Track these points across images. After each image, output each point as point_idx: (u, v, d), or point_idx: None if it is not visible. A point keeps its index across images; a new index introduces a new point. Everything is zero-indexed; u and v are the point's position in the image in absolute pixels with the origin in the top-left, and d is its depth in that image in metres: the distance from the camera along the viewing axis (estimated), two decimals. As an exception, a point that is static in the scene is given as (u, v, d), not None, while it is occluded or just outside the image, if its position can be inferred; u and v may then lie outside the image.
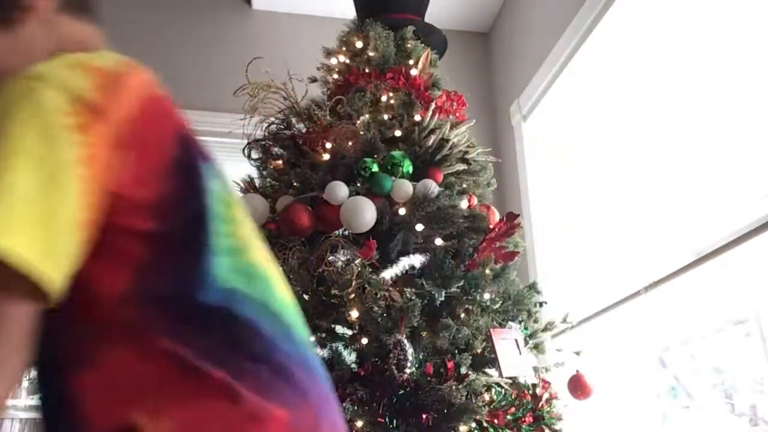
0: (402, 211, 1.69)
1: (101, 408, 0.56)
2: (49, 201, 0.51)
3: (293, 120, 1.94)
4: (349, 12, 2.41)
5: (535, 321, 1.84)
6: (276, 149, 1.95)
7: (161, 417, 0.54)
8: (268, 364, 0.60)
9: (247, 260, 0.65)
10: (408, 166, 1.76)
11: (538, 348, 1.82)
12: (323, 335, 1.67)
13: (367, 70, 2.05)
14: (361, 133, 1.84)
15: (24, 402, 2.55)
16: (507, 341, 1.62)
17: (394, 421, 1.45)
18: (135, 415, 0.54)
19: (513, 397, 1.60)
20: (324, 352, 1.74)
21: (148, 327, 0.57)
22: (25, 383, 2.60)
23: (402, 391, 1.48)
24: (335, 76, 2.15)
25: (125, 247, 0.58)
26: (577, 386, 1.73)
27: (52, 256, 0.51)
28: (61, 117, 0.54)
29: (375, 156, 1.79)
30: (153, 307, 0.58)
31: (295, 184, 1.79)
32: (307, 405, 0.60)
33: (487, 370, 1.67)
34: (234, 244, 0.64)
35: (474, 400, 1.44)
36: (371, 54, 2.09)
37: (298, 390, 0.61)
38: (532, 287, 1.82)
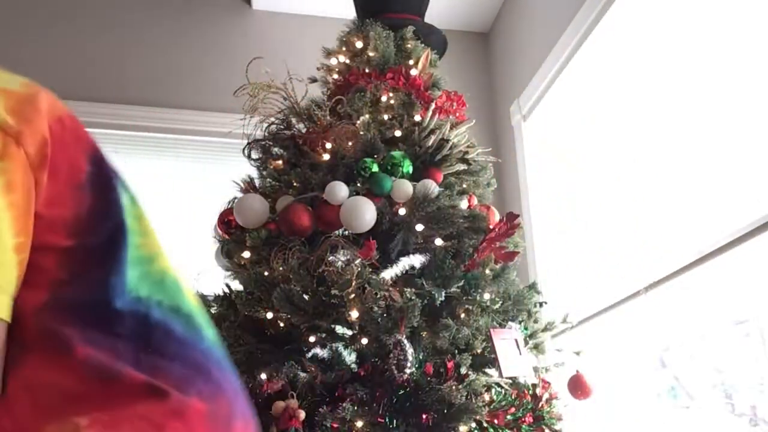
0: (402, 212, 1.69)
1: (22, 418, 0.57)
2: None
3: (293, 120, 1.94)
4: (349, 12, 2.41)
5: (535, 321, 1.84)
6: (276, 149, 1.96)
7: (83, 423, 0.55)
8: (185, 362, 0.62)
9: (159, 268, 0.68)
10: (408, 167, 1.76)
11: (538, 348, 1.82)
12: (323, 335, 1.67)
13: (367, 71, 2.05)
14: (361, 133, 1.84)
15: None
16: (507, 341, 1.62)
17: (394, 421, 1.45)
18: (54, 425, 0.55)
19: (513, 397, 1.60)
20: (324, 353, 1.74)
21: (63, 336, 0.58)
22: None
23: (402, 392, 1.48)
24: (335, 76, 2.15)
25: (43, 263, 0.59)
26: (577, 386, 1.73)
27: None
28: None
29: (375, 156, 1.79)
30: (68, 316, 0.59)
31: (295, 184, 1.79)
32: (222, 398, 0.64)
33: (487, 371, 1.67)
34: (146, 254, 0.67)
35: (474, 401, 1.44)
36: (371, 54, 2.09)
37: (214, 384, 0.64)
38: (532, 287, 1.82)
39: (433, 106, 1.92)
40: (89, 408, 0.56)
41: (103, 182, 0.65)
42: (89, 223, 0.61)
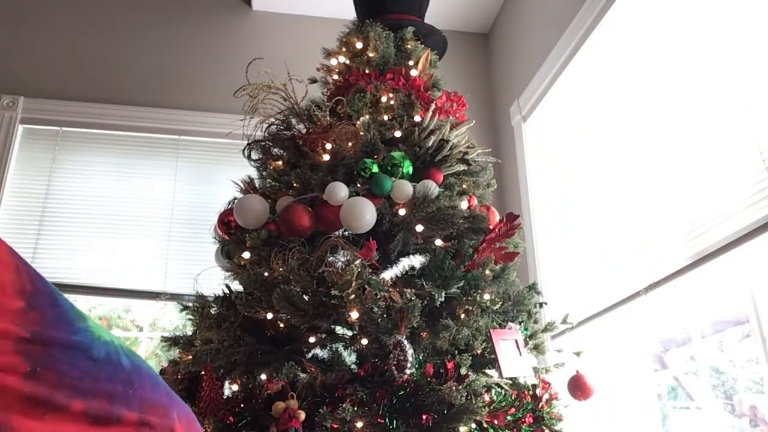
0: (402, 212, 1.69)
1: None
2: None
3: (293, 121, 1.94)
4: (349, 13, 2.41)
5: (535, 321, 1.84)
6: (276, 150, 1.96)
7: None
8: (160, 393, 0.69)
9: (92, 319, 0.73)
10: (408, 167, 1.76)
11: (538, 348, 1.82)
12: (323, 336, 1.67)
13: (367, 71, 2.05)
14: (361, 133, 1.84)
15: None
16: (507, 342, 1.62)
17: (394, 421, 1.44)
18: None
19: (513, 397, 1.60)
20: (324, 353, 1.74)
21: (54, 400, 0.61)
22: None
23: (402, 392, 1.48)
24: (335, 76, 2.15)
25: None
26: (577, 387, 1.73)
27: None
28: None
29: (375, 157, 1.79)
30: (55, 376, 0.63)
31: (295, 184, 1.79)
32: (189, 417, 0.71)
33: (487, 371, 1.67)
34: (78, 310, 0.71)
35: (474, 401, 1.44)
36: (371, 55, 2.09)
37: (180, 407, 0.71)
38: (532, 288, 1.82)
39: (433, 106, 1.92)
40: None
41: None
42: (28, 286, 0.64)
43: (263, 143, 1.96)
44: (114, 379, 0.66)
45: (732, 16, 1.79)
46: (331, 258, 1.55)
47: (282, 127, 1.93)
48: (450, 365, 1.54)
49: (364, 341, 1.53)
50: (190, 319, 1.78)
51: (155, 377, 0.72)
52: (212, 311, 1.73)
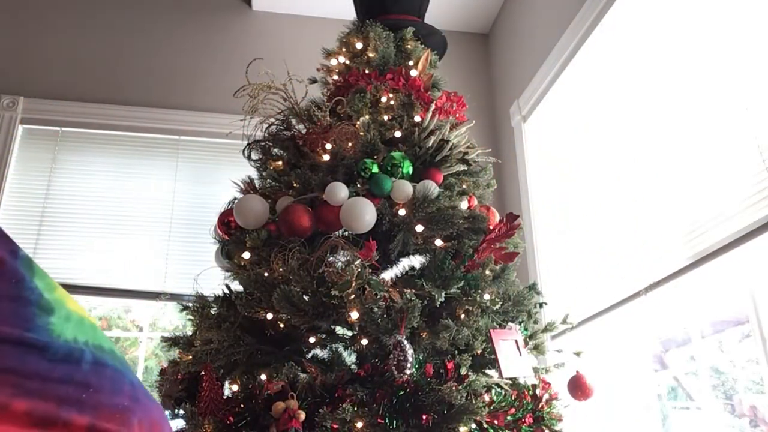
0: (402, 212, 1.69)
1: None
2: None
3: (293, 121, 1.94)
4: (349, 13, 2.41)
5: (535, 322, 1.84)
6: (276, 150, 1.96)
7: None
8: (122, 396, 0.66)
9: (74, 310, 0.69)
10: (408, 167, 1.76)
11: (538, 349, 1.82)
12: (323, 336, 1.67)
13: (366, 71, 2.05)
14: (361, 134, 1.84)
15: None
16: (507, 342, 1.62)
17: (394, 422, 1.44)
18: None
19: (513, 397, 1.60)
20: (324, 353, 1.74)
21: None
22: None
23: (402, 392, 1.48)
24: (335, 77, 2.15)
25: None
26: (578, 387, 1.73)
27: None
28: None
29: (375, 157, 1.79)
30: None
31: (295, 185, 1.79)
32: (156, 425, 0.68)
33: (487, 371, 1.67)
34: (58, 298, 0.68)
35: (474, 401, 1.44)
36: (371, 55, 2.09)
37: (147, 413, 0.68)
38: (532, 288, 1.82)
39: (433, 106, 1.92)
40: None
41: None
42: None
43: (263, 143, 1.96)
44: (67, 382, 0.64)
45: (732, 16, 1.79)
46: (331, 258, 1.55)
47: (282, 128, 1.93)
48: (450, 365, 1.54)
49: (364, 341, 1.53)
50: (190, 320, 1.78)
51: (120, 379, 0.69)
52: (212, 311, 1.73)
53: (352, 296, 1.47)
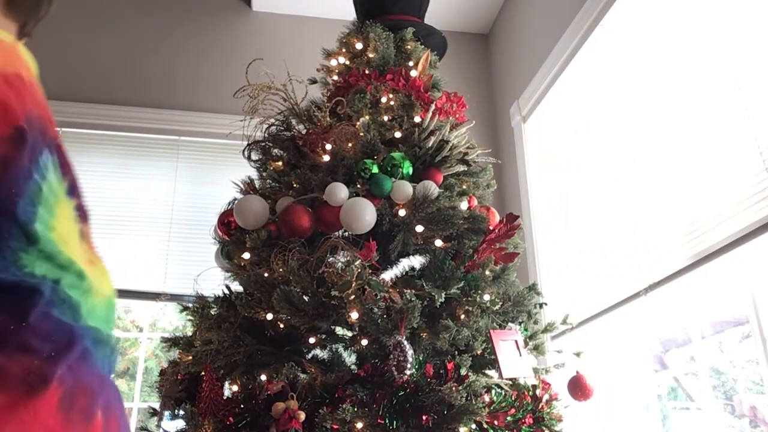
0: (402, 213, 1.69)
1: None
2: None
3: (293, 121, 1.94)
4: (349, 13, 2.41)
5: (535, 322, 1.84)
6: (276, 150, 1.96)
7: None
8: (56, 344, 0.61)
9: (67, 254, 0.66)
10: (408, 168, 1.76)
11: (538, 349, 1.82)
12: (323, 336, 1.67)
13: (366, 72, 2.05)
14: (361, 134, 1.84)
15: None
16: (507, 342, 1.62)
17: (394, 422, 1.45)
18: None
19: (513, 398, 1.60)
20: (324, 354, 1.74)
21: None
22: None
23: (402, 393, 1.48)
24: (335, 77, 2.15)
25: None
26: (578, 387, 1.73)
27: None
28: None
29: (375, 157, 1.79)
30: None
31: (295, 185, 1.79)
32: (85, 388, 0.62)
33: (487, 372, 1.67)
34: (57, 238, 0.65)
35: (474, 402, 1.44)
36: (371, 55, 2.09)
37: (77, 373, 0.62)
38: (532, 288, 1.82)
39: (433, 107, 1.92)
40: None
41: (32, 146, 0.63)
42: (1, 174, 0.59)
43: (263, 144, 1.96)
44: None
45: (732, 16, 1.79)
46: (331, 258, 1.55)
47: (282, 128, 1.93)
48: (450, 366, 1.54)
49: (364, 342, 1.54)
50: (189, 320, 1.78)
51: (68, 336, 0.65)
52: (212, 312, 1.73)
53: (352, 297, 1.47)
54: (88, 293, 0.68)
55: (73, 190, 0.73)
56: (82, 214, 0.75)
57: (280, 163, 1.94)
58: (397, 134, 1.88)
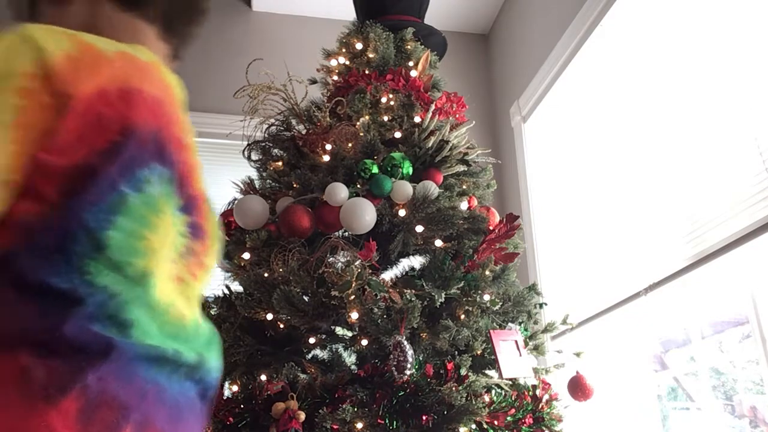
0: (402, 213, 1.69)
1: None
2: None
3: (293, 121, 1.94)
4: (349, 13, 2.41)
5: (535, 322, 1.84)
6: (276, 151, 1.96)
7: None
8: (85, 359, 0.60)
9: (143, 266, 0.66)
10: (408, 168, 1.76)
11: (538, 349, 1.82)
12: (323, 337, 1.67)
13: (366, 72, 2.05)
14: (361, 134, 1.84)
15: None
16: (507, 343, 1.62)
17: (394, 422, 1.44)
18: None
19: (513, 398, 1.60)
20: (324, 354, 1.74)
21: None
22: None
23: (402, 393, 1.48)
24: (335, 77, 2.15)
25: (22, 207, 0.60)
26: (578, 387, 1.73)
27: None
28: (16, 79, 0.59)
29: (375, 157, 1.79)
30: (4, 273, 0.60)
31: (295, 185, 1.79)
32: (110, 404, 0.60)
33: (487, 372, 1.67)
34: (135, 246, 0.65)
35: (474, 402, 1.44)
36: (371, 55, 2.09)
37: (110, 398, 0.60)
38: (532, 288, 1.82)
39: (432, 107, 1.92)
40: None
41: (130, 159, 0.64)
42: (80, 183, 0.61)
43: (263, 144, 1.95)
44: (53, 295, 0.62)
45: (732, 16, 1.79)
46: (331, 259, 1.55)
47: (282, 128, 1.93)
48: (450, 366, 1.54)
49: (364, 342, 1.53)
50: (190, 320, 1.78)
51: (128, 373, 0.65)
52: (212, 312, 1.73)
53: (352, 297, 1.47)
54: (153, 310, 0.67)
55: (189, 208, 0.75)
56: (196, 231, 0.76)
57: (280, 163, 1.94)
58: (397, 134, 1.88)
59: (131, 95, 0.66)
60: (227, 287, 1.77)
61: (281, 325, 1.64)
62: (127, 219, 0.64)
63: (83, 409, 0.57)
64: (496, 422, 1.51)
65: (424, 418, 1.45)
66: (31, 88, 0.60)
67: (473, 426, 1.46)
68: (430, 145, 1.83)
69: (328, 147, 1.81)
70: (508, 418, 1.54)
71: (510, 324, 1.72)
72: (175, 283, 0.71)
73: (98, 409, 0.58)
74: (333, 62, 2.17)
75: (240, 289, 1.73)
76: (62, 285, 0.60)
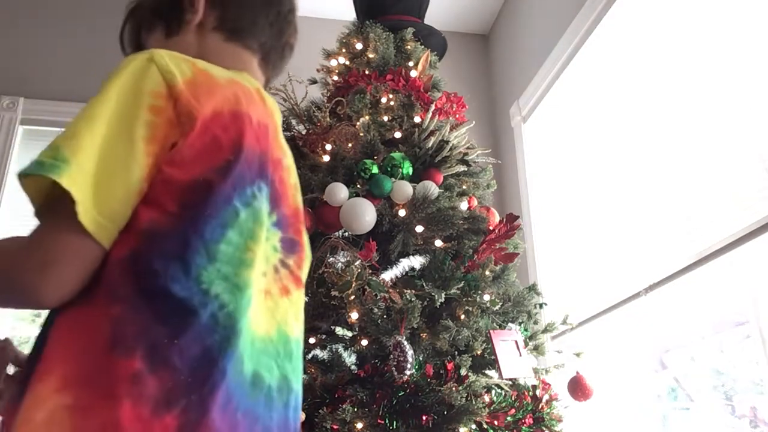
0: (402, 213, 1.69)
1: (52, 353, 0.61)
2: (114, 170, 0.63)
3: (293, 121, 1.94)
4: (349, 13, 2.41)
5: (535, 322, 1.84)
6: (276, 151, 1.95)
7: (68, 389, 0.58)
8: (193, 372, 0.62)
9: (245, 277, 0.69)
10: (408, 168, 1.76)
11: (538, 349, 1.82)
12: (323, 336, 1.67)
13: (366, 72, 2.05)
14: (361, 134, 1.84)
15: None
16: (507, 343, 1.62)
17: (394, 422, 1.44)
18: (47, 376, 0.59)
19: (513, 398, 1.60)
20: (324, 354, 1.74)
21: (112, 290, 0.62)
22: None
23: (402, 393, 1.48)
24: (335, 77, 2.15)
25: (146, 215, 0.65)
26: (577, 388, 1.73)
27: (104, 213, 0.62)
28: (147, 97, 0.66)
29: (375, 157, 1.79)
30: (129, 275, 0.63)
31: (295, 185, 1.79)
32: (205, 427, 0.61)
33: (487, 372, 1.67)
34: (242, 257, 0.69)
35: (474, 402, 1.44)
36: (371, 56, 2.09)
37: (203, 411, 0.61)
38: (532, 289, 1.82)
39: (432, 107, 1.92)
40: (74, 372, 0.60)
41: (240, 175, 0.70)
42: (198, 197, 0.66)
43: (263, 144, 1.95)
44: (156, 313, 0.65)
45: (732, 16, 1.79)
46: (331, 259, 1.55)
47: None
48: (450, 366, 1.54)
49: (364, 342, 1.53)
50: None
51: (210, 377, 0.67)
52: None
53: (352, 297, 1.47)
54: (250, 321, 0.70)
55: (283, 224, 0.80)
56: (288, 246, 0.81)
57: (280, 163, 1.94)
58: (397, 134, 1.88)
59: (241, 118, 0.72)
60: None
61: (281, 325, 1.64)
62: (236, 232, 0.68)
63: (182, 427, 0.59)
64: (496, 422, 1.51)
65: (424, 418, 1.45)
66: (160, 106, 0.66)
67: (473, 426, 1.46)
68: (430, 145, 1.83)
69: (328, 147, 1.81)
70: (508, 418, 1.54)
71: (510, 324, 1.72)
72: (263, 296, 0.75)
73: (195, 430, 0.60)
74: (333, 62, 2.17)
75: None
76: (181, 293, 0.63)
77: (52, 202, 0.63)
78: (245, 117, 0.72)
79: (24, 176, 0.63)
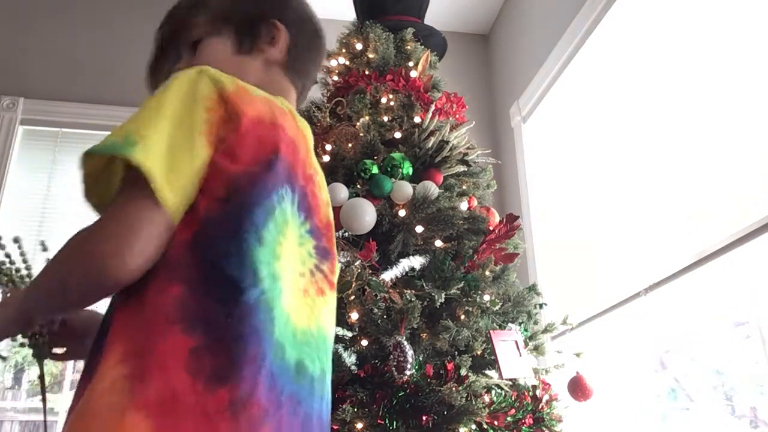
0: (402, 213, 1.69)
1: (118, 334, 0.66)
2: (181, 154, 0.69)
3: (293, 122, 1.93)
4: (349, 14, 2.41)
5: (535, 323, 1.84)
6: (276, 151, 1.95)
7: (127, 360, 0.63)
8: (245, 350, 0.66)
9: (279, 268, 0.74)
10: (408, 168, 1.76)
11: (538, 350, 1.82)
12: (323, 337, 1.67)
13: (366, 72, 2.05)
14: (361, 134, 1.84)
15: (24, 404, 2.54)
16: (507, 343, 1.62)
17: (394, 422, 1.44)
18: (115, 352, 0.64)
19: (513, 398, 1.60)
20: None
21: (173, 270, 0.67)
22: (26, 386, 2.59)
23: (402, 393, 1.48)
24: (335, 77, 2.15)
25: (203, 201, 0.69)
26: (577, 388, 1.73)
27: (174, 188, 0.67)
28: (203, 100, 0.74)
29: (375, 158, 1.79)
30: (190, 256, 0.68)
31: (294, 185, 1.79)
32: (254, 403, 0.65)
33: (487, 372, 1.67)
34: (275, 249, 0.73)
35: (474, 402, 1.44)
36: (371, 56, 2.09)
37: (251, 389, 0.65)
38: (532, 289, 1.82)
39: (432, 107, 1.92)
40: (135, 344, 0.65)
41: (280, 172, 0.76)
42: (246, 186, 0.72)
43: (263, 144, 1.95)
44: (216, 295, 0.69)
45: (732, 16, 1.79)
46: (331, 259, 1.55)
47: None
48: (450, 366, 1.54)
49: (364, 342, 1.53)
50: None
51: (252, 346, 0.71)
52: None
53: (352, 297, 1.47)
54: (287, 311, 0.74)
55: (317, 234, 0.86)
56: (322, 253, 0.86)
57: (280, 163, 1.94)
58: (397, 135, 1.88)
59: (277, 128, 0.79)
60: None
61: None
62: (273, 224, 0.73)
63: (233, 402, 0.63)
64: (496, 422, 1.51)
65: (424, 418, 1.45)
66: (213, 107, 0.73)
67: (473, 426, 1.46)
68: (430, 145, 1.83)
69: (328, 147, 1.81)
70: (508, 419, 1.54)
71: (510, 324, 1.72)
72: (302, 294, 0.79)
73: (244, 408, 0.64)
74: (333, 62, 2.17)
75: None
76: (234, 272, 0.68)
77: (121, 181, 0.70)
78: (280, 128, 0.80)
79: (89, 155, 0.68)
